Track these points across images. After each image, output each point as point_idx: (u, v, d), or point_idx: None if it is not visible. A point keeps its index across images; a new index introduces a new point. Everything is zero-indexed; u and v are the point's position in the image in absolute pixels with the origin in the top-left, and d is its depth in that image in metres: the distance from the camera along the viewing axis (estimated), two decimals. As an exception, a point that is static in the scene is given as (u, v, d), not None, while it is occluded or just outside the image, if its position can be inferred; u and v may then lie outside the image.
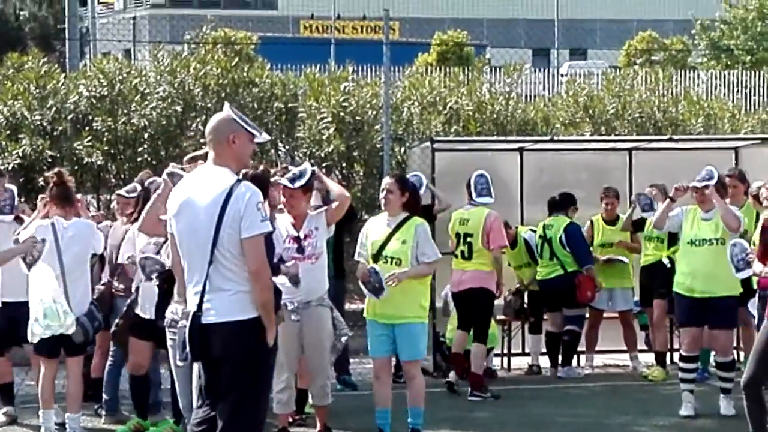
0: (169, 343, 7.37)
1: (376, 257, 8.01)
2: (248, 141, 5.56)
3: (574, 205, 11.67)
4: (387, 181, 8.22)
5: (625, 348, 11.88)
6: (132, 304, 8.54)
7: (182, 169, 7.25)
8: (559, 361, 11.41)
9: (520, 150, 12.87)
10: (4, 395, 9.13)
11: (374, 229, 8.16)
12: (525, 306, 11.97)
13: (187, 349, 5.33)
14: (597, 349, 11.90)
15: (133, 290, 8.61)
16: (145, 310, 8.37)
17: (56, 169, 8.77)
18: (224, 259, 5.34)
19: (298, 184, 8.01)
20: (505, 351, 12.13)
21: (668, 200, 9.42)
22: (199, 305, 5.32)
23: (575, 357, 11.69)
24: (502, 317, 11.87)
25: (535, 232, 11.74)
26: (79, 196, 8.81)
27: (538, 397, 10.33)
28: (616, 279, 11.54)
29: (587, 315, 11.62)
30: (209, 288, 5.32)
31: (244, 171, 7.26)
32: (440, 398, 9.84)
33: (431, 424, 8.18)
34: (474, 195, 10.44)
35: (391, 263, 7.94)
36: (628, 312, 11.62)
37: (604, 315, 11.70)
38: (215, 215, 5.31)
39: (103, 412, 9.32)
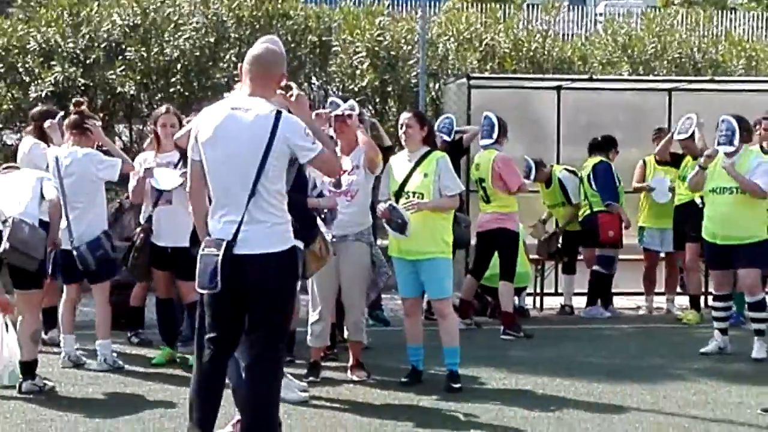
0: None
1: (399, 193, 7.90)
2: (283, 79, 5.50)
3: (614, 148, 11.57)
4: (405, 115, 8.08)
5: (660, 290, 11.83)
6: (147, 236, 8.51)
7: None
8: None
9: (558, 89, 12.70)
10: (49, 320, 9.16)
11: (396, 166, 8.06)
12: (559, 245, 11.89)
13: (218, 277, 5.17)
14: (628, 291, 11.83)
15: (142, 219, 8.62)
16: (161, 239, 8.35)
17: (76, 99, 8.95)
18: (265, 191, 5.21)
19: (349, 112, 8.01)
20: (538, 291, 12.06)
21: (699, 168, 9.26)
22: (235, 235, 5.20)
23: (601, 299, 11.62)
24: (536, 257, 11.80)
25: (570, 171, 11.61)
26: (98, 124, 8.60)
27: (570, 337, 10.27)
28: (667, 219, 11.39)
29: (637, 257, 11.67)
30: (247, 219, 5.19)
31: None
32: (473, 337, 9.80)
33: (465, 363, 8.11)
34: (479, 138, 10.35)
35: (414, 198, 7.83)
36: (674, 253, 11.48)
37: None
38: (262, 146, 5.16)
39: (136, 340, 9.36)
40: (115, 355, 8.52)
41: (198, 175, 5.37)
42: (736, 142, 8.99)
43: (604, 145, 11.53)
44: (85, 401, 7.44)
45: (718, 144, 9.07)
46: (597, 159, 11.44)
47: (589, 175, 11.39)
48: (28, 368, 7.55)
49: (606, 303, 11.62)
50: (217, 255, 5.15)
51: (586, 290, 11.76)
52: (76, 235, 8.26)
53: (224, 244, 5.16)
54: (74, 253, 8.20)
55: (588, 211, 11.48)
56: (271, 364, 5.33)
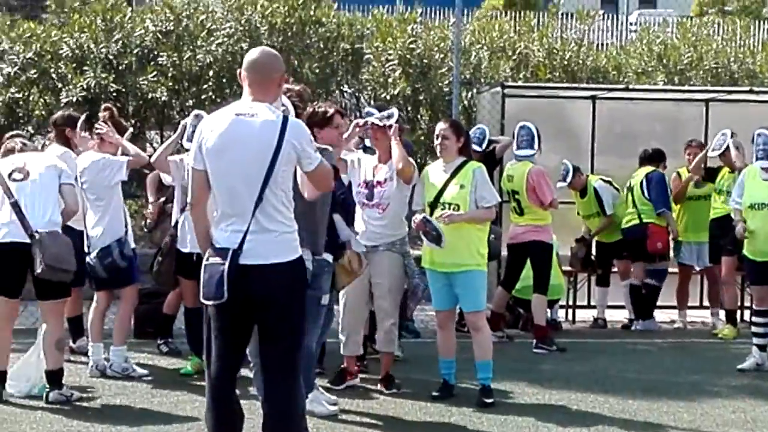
0: None
1: (434, 204, 7.78)
2: (283, 85, 5.39)
3: (664, 161, 11.44)
4: (441, 126, 7.95)
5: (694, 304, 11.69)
6: (173, 242, 8.43)
7: None
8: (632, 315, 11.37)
9: (593, 98, 12.55)
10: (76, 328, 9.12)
11: (431, 176, 7.93)
12: (592, 257, 11.73)
13: (225, 287, 5.00)
14: (665, 304, 11.65)
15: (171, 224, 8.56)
16: (186, 245, 8.29)
17: (104, 104, 8.99)
18: (274, 198, 5.07)
19: (388, 122, 7.91)
20: (570, 303, 11.90)
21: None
22: (240, 244, 5.06)
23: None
24: (569, 268, 11.65)
25: (606, 182, 11.46)
26: (103, 129, 8.50)
27: (604, 351, 10.10)
28: (704, 233, 11.21)
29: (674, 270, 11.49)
30: (254, 228, 5.05)
31: (313, 108, 7.13)
32: (505, 349, 9.65)
33: (497, 376, 7.98)
34: (515, 147, 10.16)
35: (450, 209, 7.71)
36: (713, 267, 11.29)
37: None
38: (270, 152, 5.03)
39: (165, 349, 9.28)
40: (132, 362, 8.47)
41: (201, 185, 5.20)
42: None
43: (656, 156, 11.43)
44: (112, 412, 7.36)
45: (757, 159, 8.89)
46: (650, 168, 11.31)
47: (641, 183, 11.24)
48: (54, 377, 7.48)
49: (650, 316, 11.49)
50: (223, 264, 5.01)
51: (619, 303, 11.60)
52: (92, 243, 8.26)
53: (230, 252, 5.02)
54: (87, 261, 8.15)
55: (636, 221, 11.28)
56: (288, 379, 5.19)
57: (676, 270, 11.60)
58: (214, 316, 5.17)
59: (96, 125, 8.52)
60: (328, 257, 6.98)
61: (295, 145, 5.07)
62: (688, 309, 11.72)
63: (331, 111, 7.28)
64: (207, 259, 5.09)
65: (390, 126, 7.91)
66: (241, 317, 5.13)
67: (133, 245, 8.48)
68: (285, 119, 5.11)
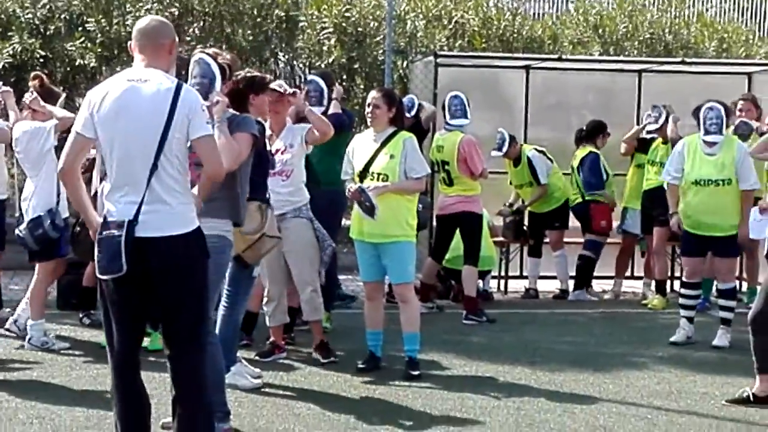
0: None
1: (363, 174, 7.65)
2: (175, 52, 5.18)
3: (602, 134, 11.42)
4: (373, 95, 7.83)
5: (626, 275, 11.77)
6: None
7: None
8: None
9: (527, 68, 12.49)
10: None
11: (360, 145, 7.80)
12: (524, 228, 11.71)
13: (123, 259, 4.84)
14: (601, 274, 11.72)
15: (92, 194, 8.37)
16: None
17: (34, 72, 8.82)
18: (170, 166, 4.92)
19: (289, 91, 7.89)
20: (502, 274, 11.87)
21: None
22: (136, 215, 4.89)
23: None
24: (501, 239, 11.62)
25: (539, 151, 11.42)
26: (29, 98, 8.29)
27: (535, 322, 10.09)
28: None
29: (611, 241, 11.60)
30: (149, 198, 4.89)
31: (249, 74, 6.95)
32: (434, 321, 9.60)
33: (425, 348, 7.94)
34: (448, 117, 10.05)
35: (378, 179, 7.59)
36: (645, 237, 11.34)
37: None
38: (163, 118, 4.87)
39: (87, 321, 9.11)
40: (51, 335, 8.30)
41: (79, 150, 5.03)
42: (724, 130, 8.81)
43: (593, 132, 11.42)
44: (28, 386, 7.18)
45: (707, 133, 8.79)
46: (586, 150, 11.32)
47: (578, 167, 11.29)
48: (-32, 351, 7.30)
49: (587, 287, 11.56)
50: (119, 236, 4.84)
51: (551, 273, 11.61)
52: (24, 213, 8.08)
53: (126, 224, 4.86)
54: (17, 232, 7.97)
55: (580, 200, 11.41)
56: (193, 353, 5.06)
57: (617, 240, 11.63)
58: (110, 291, 5.02)
59: (25, 95, 8.27)
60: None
61: (188, 112, 4.92)
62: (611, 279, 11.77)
63: (268, 78, 7.25)
64: (101, 233, 4.92)
65: (293, 93, 7.89)
66: (139, 290, 4.98)
67: (65, 215, 8.24)
68: (179, 85, 4.96)
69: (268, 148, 7.39)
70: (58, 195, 8.12)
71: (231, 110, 6.26)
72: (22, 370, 7.57)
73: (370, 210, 7.50)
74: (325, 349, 8.08)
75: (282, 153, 7.88)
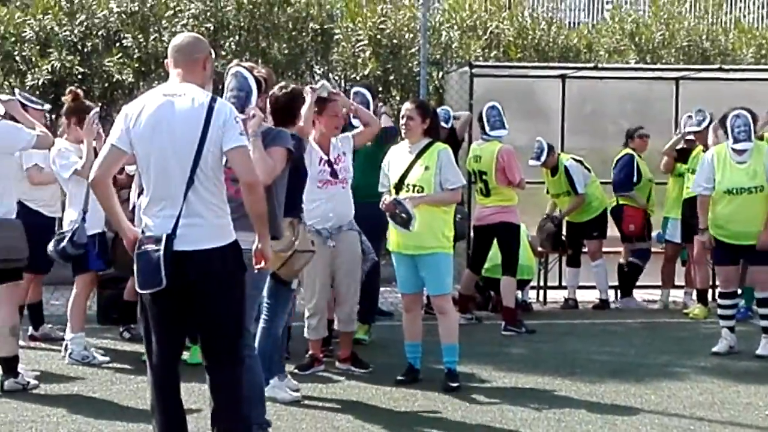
0: None
1: (399, 186, 7.64)
2: (210, 67, 5.22)
3: (635, 133, 11.51)
4: (407, 106, 7.82)
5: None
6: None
7: None
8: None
9: (563, 77, 12.43)
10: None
11: (396, 157, 7.80)
12: (563, 237, 11.65)
13: (162, 273, 4.87)
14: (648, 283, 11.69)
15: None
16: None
17: (70, 88, 8.79)
18: (206, 180, 4.95)
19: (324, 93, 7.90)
20: (541, 284, 11.82)
21: None
22: (174, 230, 4.92)
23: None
24: (540, 249, 11.56)
25: (577, 161, 11.37)
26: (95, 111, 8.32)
27: (574, 332, 10.02)
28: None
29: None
30: (186, 212, 4.92)
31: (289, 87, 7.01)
32: (474, 331, 9.56)
33: (464, 359, 7.90)
34: (487, 128, 10.02)
35: (414, 191, 7.58)
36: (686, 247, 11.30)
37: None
38: (198, 132, 4.90)
39: (127, 336, 9.14)
40: (91, 349, 8.34)
41: (112, 162, 5.06)
42: (752, 138, 8.74)
43: (628, 134, 11.56)
44: (70, 400, 7.21)
45: (736, 141, 8.71)
46: (623, 152, 11.43)
47: (612, 168, 11.42)
48: (9, 365, 7.33)
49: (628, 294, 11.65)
50: (158, 251, 4.87)
51: (590, 283, 11.55)
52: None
53: (164, 237, 4.89)
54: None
55: (615, 203, 11.49)
56: (231, 366, 5.08)
57: (659, 249, 11.58)
58: (150, 305, 5.05)
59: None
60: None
61: (222, 125, 4.94)
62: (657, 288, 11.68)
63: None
64: (139, 248, 4.95)
65: (337, 93, 8.03)
66: (178, 304, 5.00)
67: (94, 231, 8.26)
68: (213, 99, 4.98)
69: (310, 161, 7.43)
70: (85, 212, 8.15)
71: (266, 124, 6.27)
72: (64, 384, 7.62)
73: (405, 222, 7.48)
74: (357, 360, 8.09)
75: (340, 162, 7.90)
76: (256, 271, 5.37)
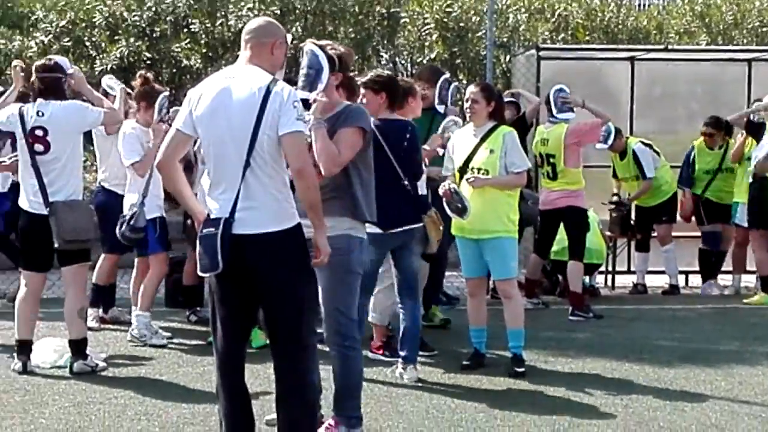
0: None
1: (463, 169, 7.59)
2: (282, 52, 5.19)
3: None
4: (471, 89, 7.74)
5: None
6: None
7: None
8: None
9: (631, 59, 12.26)
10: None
11: (461, 140, 7.74)
12: (631, 222, 11.51)
13: (219, 257, 4.86)
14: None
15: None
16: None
17: (139, 72, 8.91)
18: (264, 164, 4.92)
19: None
20: (609, 269, 11.69)
21: None
22: (232, 212, 4.92)
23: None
24: (608, 233, 11.43)
25: (646, 144, 11.21)
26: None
27: (642, 318, 9.90)
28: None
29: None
30: (244, 195, 4.91)
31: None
32: (540, 317, 9.48)
33: (530, 344, 7.83)
34: (554, 111, 9.90)
35: (479, 174, 7.52)
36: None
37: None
38: (253, 116, 4.88)
39: (194, 319, 9.21)
40: (151, 330, 8.40)
41: (177, 145, 5.08)
42: None
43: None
44: (137, 382, 7.28)
45: None
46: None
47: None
48: (78, 347, 7.41)
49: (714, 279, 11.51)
50: (216, 234, 4.87)
51: (659, 268, 11.41)
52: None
53: (222, 221, 4.89)
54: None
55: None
56: (295, 351, 5.05)
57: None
58: (214, 288, 5.06)
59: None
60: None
61: (277, 108, 4.89)
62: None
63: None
64: (201, 231, 4.96)
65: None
66: (241, 288, 5.00)
67: (155, 215, 8.33)
68: (273, 81, 4.95)
69: None
70: (144, 197, 8.20)
71: (345, 101, 6.10)
72: (132, 367, 7.69)
73: (460, 211, 7.44)
74: (423, 344, 7.92)
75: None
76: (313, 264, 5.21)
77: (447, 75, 8.95)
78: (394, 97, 7.09)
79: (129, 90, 8.81)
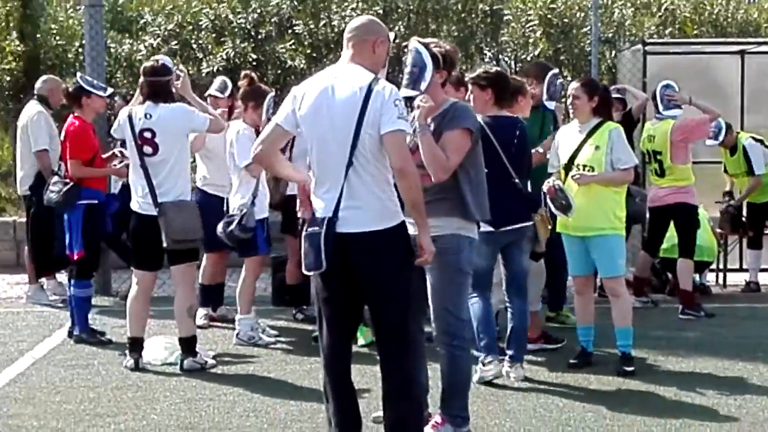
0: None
1: (568, 166, 7.50)
2: (384, 51, 5.16)
3: None
4: (573, 85, 7.64)
5: None
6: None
7: None
8: None
9: (741, 53, 11.98)
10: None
11: (565, 137, 7.64)
12: (743, 219, 11.25)
13: (323, 256, 4.89)
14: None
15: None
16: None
17: (244, 72, 8.94)
18: (366, 163, 4.92)
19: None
20: (721, 266, 11.44)
21: None
22: (335, 212, 4.94)
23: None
24: (719, 230, 11.20)
25: (757, 140, 10.95)
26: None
27: (755, 316, 9.68)
28: None
29: None
30: (347, 194, 4.92)
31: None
32: (649, 315, 9.33)
33: (639, 343, 7.71)
34: (660, 108, 9.71)
35: (584, 171, 7.43)
36: None
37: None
38: (355, 114, 4.87)
39: (300, 317, 9.27)
40: (258, 330, 8.44)
41: (273, 139, 5.13)
42: None
43: None
44: (246, 379, 7.37)
45: None
46: None
47: None
48: (188, 345, 7.53)
49: None
50: (320, 233, 4.90)
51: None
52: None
53: (326, 220, 4.91)
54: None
55: None
56: (400, 350, 5.04)
57: None
58: (319, 287, 5.09)
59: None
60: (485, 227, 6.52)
61: (379, 107, 4.88)
62: None
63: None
64: (306, 229, 4.99)
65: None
66: (346, 287, 5.01)
67: (262, 216, 8.41)
68: (375, 80, 4.94)
69: None
70: (254, 197, 8.27)
71: (451, 98, 6.03)
72: (240, 364, 7.78)
73: (564, 208, 7.36)
74: (548, 337, 8.11)
75: None
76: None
77: (555, 70, 8.82)
78: (502, 94, 7.03)
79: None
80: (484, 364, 7.07)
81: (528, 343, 7.69)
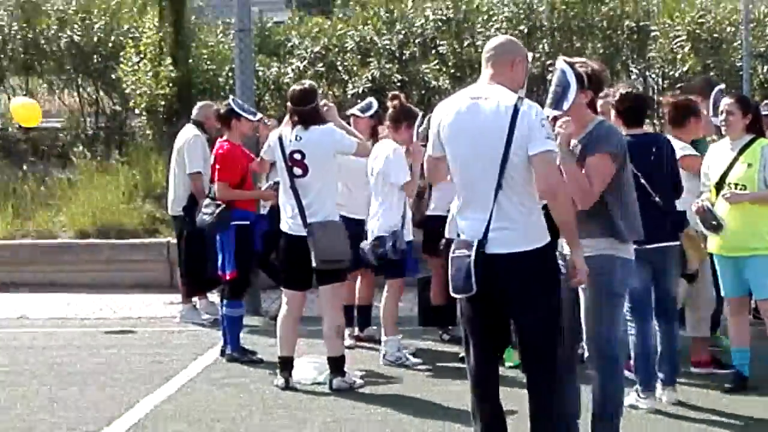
0: None
1: (720, 185, 7.33)
2: (522, 70, 5.14)
3: None
4: (726, 101, 7.46)
5: None
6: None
7: None
8: None
9: None
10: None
11: (716, 155, 7.47)
12: None
13: (472, 279, 4.88)
14: None
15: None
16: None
17: (391, 93, 9.06)
18: (515, 184, 4.90)
19: None
20: None
21: None
22: (485, 234, 4.92)
23: None
24: None
25: None
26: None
27: None
28: None
29: None
30: (496, 216, 4.90)
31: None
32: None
33: (797, 366, 7.48)
34: None
35: (737, 190, 7.24)
36: None
37: None
38: (503, 136, 4.85)
39: (446, 338, 9.26)
40: (405, 351, 8.47)
41: (434, 169, 5.26)
42: None
43: None
44: (393, 400, 7.40)
45: None
46: None
47: None
48: (336, 364, 7.61)
49: None
50: (469, 256, 4.88)
51: None
52: (370, 231, 8.49)
53: (475, 243, 4.90)
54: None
55: None
56: (544, 374, 5.01)
57: None
58: (465, 308, 5.09)
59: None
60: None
61: (526, 129, 4.86)
62: None
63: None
64: (453, 252, 5.00)
65: None
66: (492, 308, 5.00)
67: (410, 238, 8.46)
68: (520, 100, 4.92)
69: None
70: (404, 218, 8.30)
71: (599, 117, 5.93)
72: (387, 384, 7.82)
73: (715, 228, 7.20)
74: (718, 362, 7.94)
75: None
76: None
77: (722, 86, 8.63)
78: (631, 115, 6.90)
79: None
80: (639, 396, 6.97)
81: (696, 367, 7.68)
